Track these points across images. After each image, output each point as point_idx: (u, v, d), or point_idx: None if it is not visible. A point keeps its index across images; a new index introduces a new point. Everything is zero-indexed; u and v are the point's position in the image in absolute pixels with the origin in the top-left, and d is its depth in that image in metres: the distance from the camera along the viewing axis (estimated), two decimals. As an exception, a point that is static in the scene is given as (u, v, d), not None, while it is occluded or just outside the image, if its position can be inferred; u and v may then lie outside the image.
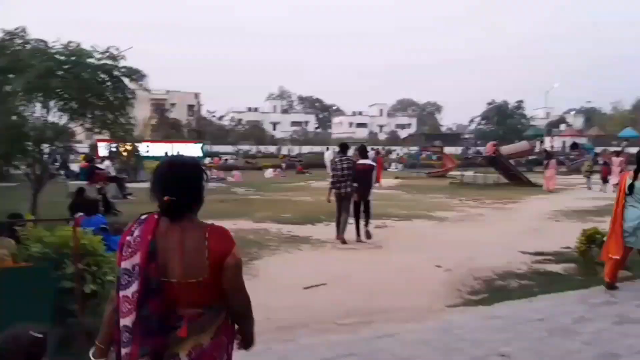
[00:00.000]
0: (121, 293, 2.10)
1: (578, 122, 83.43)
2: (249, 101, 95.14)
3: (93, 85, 10.15)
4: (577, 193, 21.26)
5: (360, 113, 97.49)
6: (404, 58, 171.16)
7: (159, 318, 2.07)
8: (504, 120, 71.74)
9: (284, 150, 59.75)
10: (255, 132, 66.84)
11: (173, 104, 66.41)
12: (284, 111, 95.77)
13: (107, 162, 18.55)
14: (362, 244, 10.32)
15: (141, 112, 63.48)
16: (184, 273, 2.10)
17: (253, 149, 60.69)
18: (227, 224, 8.11)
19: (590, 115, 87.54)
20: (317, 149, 63.77)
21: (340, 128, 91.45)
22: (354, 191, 10.50)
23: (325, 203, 11.24)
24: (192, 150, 29.73)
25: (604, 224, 12.77)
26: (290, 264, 8.50)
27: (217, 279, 2.14)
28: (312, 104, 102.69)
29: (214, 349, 2.17)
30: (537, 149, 39.44)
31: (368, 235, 10.70)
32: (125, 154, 26.12)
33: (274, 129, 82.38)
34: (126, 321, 2.08)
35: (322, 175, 32.34)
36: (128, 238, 2.14)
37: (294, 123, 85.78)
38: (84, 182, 17.26)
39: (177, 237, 2.13)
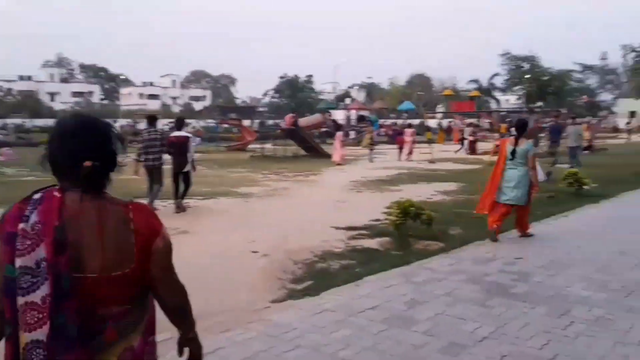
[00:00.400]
0: (23, 299, 1.55)
1: (361, 96, 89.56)
2: (21, 69, 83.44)
3: None
4: (369, 163, 22.20)
5: (151, 84, 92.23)
6: (195, 29, 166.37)
7: (78, 325, 1.57)
8: (295, 93, 74.17)
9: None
10: (29, 103, 58.99)
11: None
12: (64, 80, 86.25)
13: None
14: (163, 230, 9.04)
15: None
16: (106, 265, 1.61)
17: (27, 122, 53.51)
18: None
19: (370, 90, 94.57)
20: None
21: (129, 99, 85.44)
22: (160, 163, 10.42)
23: (120, 182, 9.70)
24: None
25: (401, 193, 13.31)
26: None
27: (144, 268, 1.69)
28: (96, 73, 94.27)
29: (145, 350, 1.75)
30: (329, 122, 40.94)
31: (181, 209, 10.53)
32: None
33: (52, 100, 73.80)
34: (37, 334, 1.55)
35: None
36: (22, 226, 1.55)
37: (75, 93, 77.80)
38: None
39: (94, 219, 1.62)
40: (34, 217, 1.56)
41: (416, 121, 44.09)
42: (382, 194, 13.16)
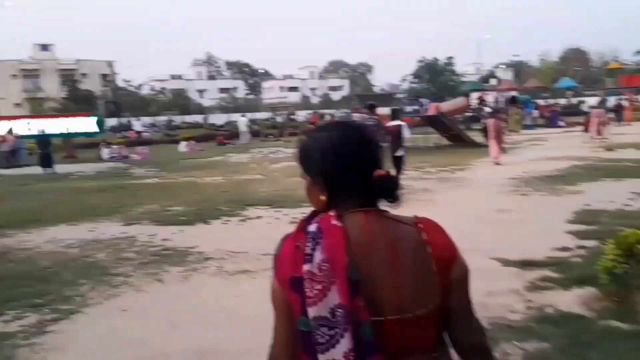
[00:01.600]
0: (323, 357, 1.24)
1: (508, 76, 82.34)
2: (172, 69, 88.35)
3: None
4: (527, 152, 18.40)
5: (290, 76, 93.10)
6: (329, 17, 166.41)
7: None
8: (435, 77, 70.04)
9: (213, 119, 55.36)
10: (179, 101, 61.56)
11: (84, 74, 59.85)
12: (211, 77, 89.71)
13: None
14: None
15: (49, 83, 57.32)
16: (407, 303, 1.29)
17: (177, 119, 55.86)
18: (79, 229, 6.71)
19: (519, 68, 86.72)
20: (247, 116, 59.99)
21: (271, 93, 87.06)
22: None
23: (236, 184, 8.09)
24: (86, 125, 24.85)
25: (583, 196, 9.87)
26: (122, 328, 4.79)
27: (446, 303, 1.35)
28: (241, 69, 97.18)
29: None
30: (473, 105, 36.78)
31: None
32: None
33: (201, 96, 76.95)
34: None
35: (245, 146, 28.53)
36: (307, 267, 1.26)
37: (222, 90, 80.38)
38: None
39: (385, 246, 1.31)
40: (318, 255, 1.26)
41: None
42: (558, 198, 9.84)
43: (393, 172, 7.52)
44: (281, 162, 19.71)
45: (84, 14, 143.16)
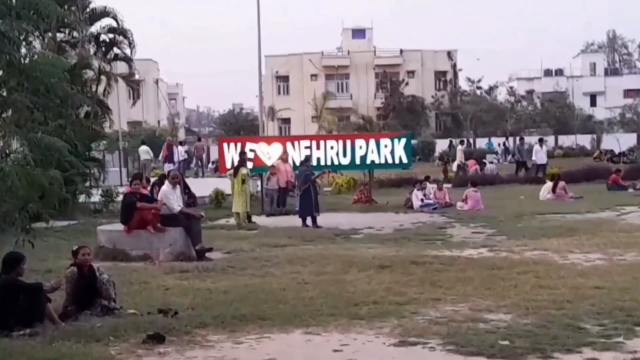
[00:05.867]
0: None
1: None
2: (547, 62, 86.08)
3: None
4: None
5: None
6: None
7: None
8: None
9: (609, 142, 53.04)
10: (553, 111, 60.82)
11: (411, 72, 63.12)
12: (612, 72, 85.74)
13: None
14: None
15: (360, 85, 62.03)
16: None
17: (550, 139, 54.56)
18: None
19: None
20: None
21: None
22: None
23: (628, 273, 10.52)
24: (393, 148, 24.48)
25: None
26: None
27: None
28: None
29: None
30: None
31: None
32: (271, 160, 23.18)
33: (592, 103, 74.67)
34: None
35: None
36: None
37: (627, 92, 76.12)
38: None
39: None
40: None
41: None
42: None
43: None
44: None
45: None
